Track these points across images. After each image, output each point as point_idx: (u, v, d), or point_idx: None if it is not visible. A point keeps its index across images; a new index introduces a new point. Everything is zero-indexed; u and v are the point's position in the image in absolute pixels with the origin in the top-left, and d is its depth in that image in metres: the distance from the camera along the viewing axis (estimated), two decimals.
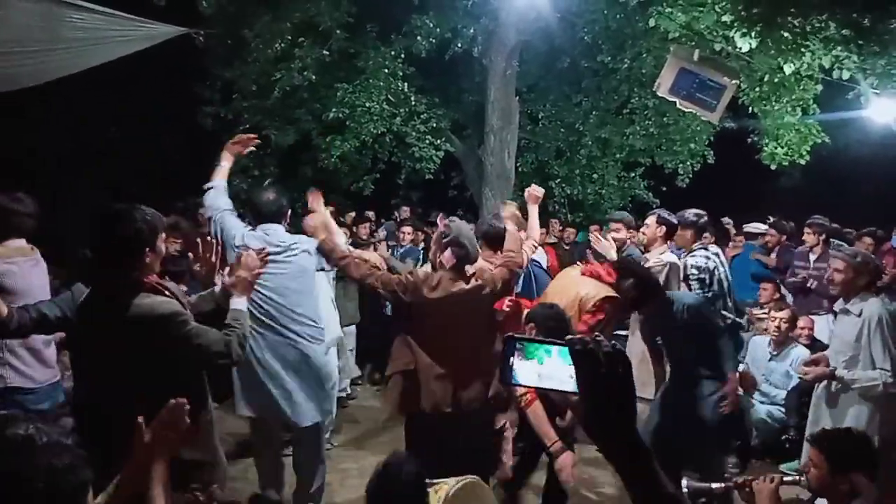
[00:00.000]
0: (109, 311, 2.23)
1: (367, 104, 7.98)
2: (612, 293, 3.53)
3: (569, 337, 1.03)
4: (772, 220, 7.10)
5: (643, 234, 4.51)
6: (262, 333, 3.37)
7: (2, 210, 3.08)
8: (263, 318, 3.37)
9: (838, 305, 3.59)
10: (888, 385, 3.33)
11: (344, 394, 5.73)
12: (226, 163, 3.65)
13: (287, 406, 3.42)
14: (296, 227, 3.87)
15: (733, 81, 5.30)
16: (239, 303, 2.48)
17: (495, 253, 3.57)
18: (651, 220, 4.43)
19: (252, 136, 3.85)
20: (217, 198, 3.54)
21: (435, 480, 2.28)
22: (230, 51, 8.48)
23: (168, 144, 9.93)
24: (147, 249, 2.26)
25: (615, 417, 0.99)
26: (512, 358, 1.09)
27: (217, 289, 2.72)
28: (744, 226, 7.58)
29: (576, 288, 3.61)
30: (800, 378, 3.83)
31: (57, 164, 9.81)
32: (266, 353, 3.39)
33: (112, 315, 2.22)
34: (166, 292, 2.33)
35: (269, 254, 2.77)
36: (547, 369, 1.08)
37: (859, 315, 3.40)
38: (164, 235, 2.38)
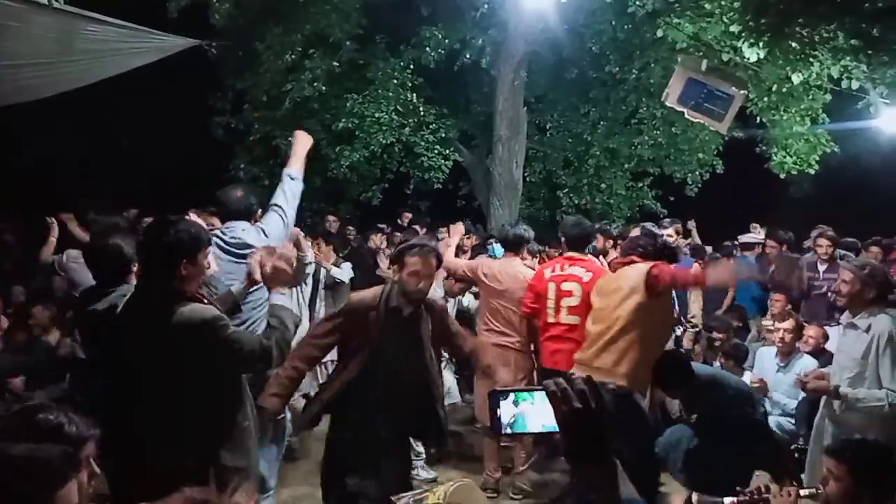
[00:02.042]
0: (150, 317, 2.28)
1: (377, 114, 8.06)
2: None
3: (545, 381, 1.11)
4: (756, 227, 7.02)
5: None
6: None
7: None
8: None
9: (844, 319, 3.45)
10: (895, 406, 3.18)
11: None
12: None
13: None
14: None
15: (741, 91, 5.32)
16: (280, 297, 2.44)
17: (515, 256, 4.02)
18: (671, 230, 4.58)
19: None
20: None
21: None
22: (241, 62, 8.59)
23: (180, 153, 10.04)
24: (187, 259, 2.29)
25: (592, 447, 1.07)
26: (498, 410, 1.17)
27: (234, 288, 2.75)
28: (739, 237, 7.49)
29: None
30: (800, 382, 3.75)
31: (73, 172, 9.95)
32: None
33: (153, 321, 2.26)
34: (205, 300, 2.37)
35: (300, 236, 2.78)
36: (532, 414, 1.16)
37: (867, 330, 3.25)
38: (207, 249, 2.38)
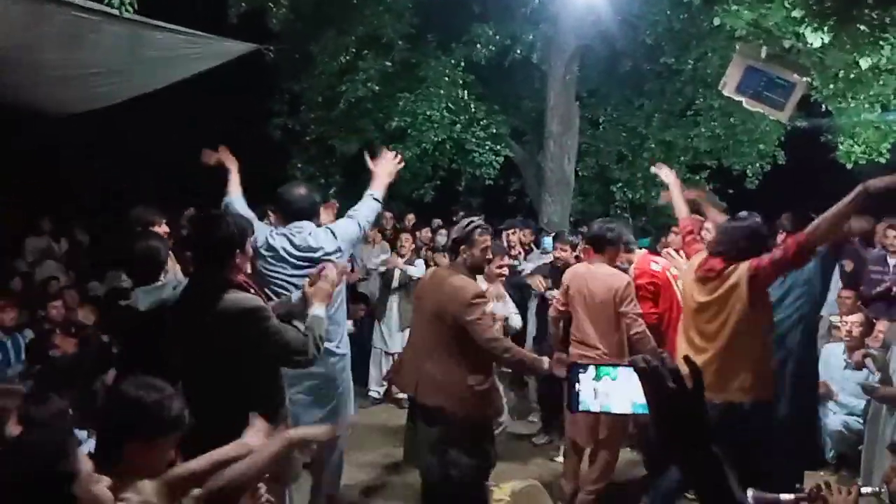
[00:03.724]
0: (201, 305, 2.43)
1: (428, 112, 8.14)
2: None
3: (631, 358, 1.04)
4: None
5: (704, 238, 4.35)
6: None
7: None
8: None
9: None
10: None
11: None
12: (234, 175, 3.60)
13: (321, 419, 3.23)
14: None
15: (804, 79, 5.12)
16: (318, 310, 2.61)
17: (603, 255, 3.67)
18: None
19: None
20: (236, 205, 3.46)
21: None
22: (297, 65, 8.83)
23: (240, 154, 10.37)
24: (237, 251, 2.47)
25: (685, 435, 0.98)
26: (577, 385, 1.11)
27: (294, 297, 2.88)
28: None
29: None
30: (866, 393, 3.55)
31: (138, 173, 10.43)
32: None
33: (203, 309, 2.42)
34: (251, 290, 2.51)
35: (346, 267, 2.88)
36: (613, 392, 1.10)
37: None
38: (251, 239, 2.58)
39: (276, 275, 3.19)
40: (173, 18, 6.17)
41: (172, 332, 2.55)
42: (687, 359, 1.01)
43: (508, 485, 2.44)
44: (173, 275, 3.51)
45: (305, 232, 3.21)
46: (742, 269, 3.09)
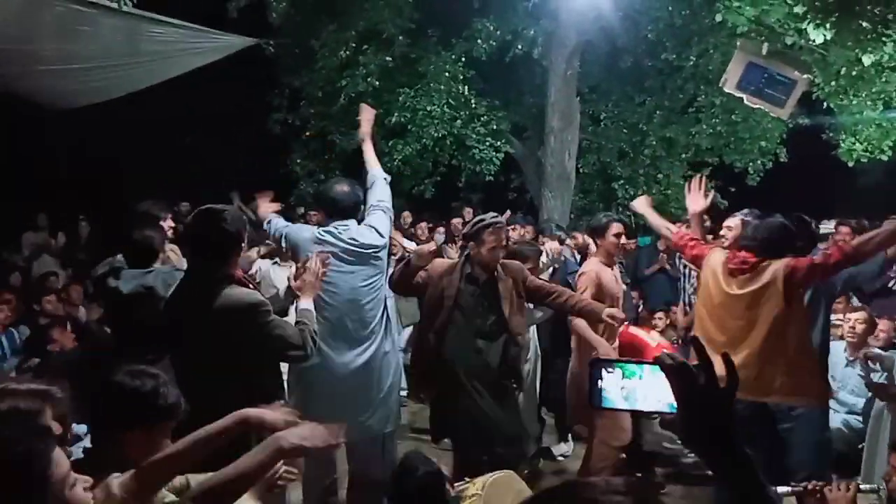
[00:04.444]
0: (203, 299, 2.44)
1: (429, 108, 8.12)
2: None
3: (657, 355, 1.01)
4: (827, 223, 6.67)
5: (725, 237, 4.31)
6: (334, 347, 3.10)
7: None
8: (335, 331, 3.08)
9: None
10: None
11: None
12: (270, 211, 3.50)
13: (366, 417, 3.19)
14: None
15: (805, 76, 5.08)
16: (307, 303, 2.63)
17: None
18: (735, 221, 4.25)
19: None
20: (277, 223, 3.40)
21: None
22: (298, 59, 8.80)
23: (240, 149, 10.37)
24: (237, 246, 2.50)
25: (715, 432, 0.95)
26: (600, 381, 1.08)
27: (281, 292, 2.87)
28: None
29: None
30: (868, 391, 3.52)
31: (130, 168, 10.42)
32: (349, 367, 3.12)
33: (204, 303, 2.42)
34: (251, 285, 2.53)
35: (328, 256, 2.85)
36: (639, 390, 1.07)
37: None
38: (246, 235, 2.59)
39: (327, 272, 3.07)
40: (173, 13, 6.15)
41: (171, 325, 2.54)
42: (725, 357, 0.97)
43: (480, 479, 2.43)
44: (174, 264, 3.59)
45: (352, 229, 3.17)
46: (778, 267, 3.03)
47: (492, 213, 3.63)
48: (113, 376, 1.75)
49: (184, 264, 3.99)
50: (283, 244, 3.35)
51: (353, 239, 3.14)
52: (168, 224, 3.79)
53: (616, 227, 3.85)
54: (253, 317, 2.41)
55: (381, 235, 3.22)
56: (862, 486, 2.41)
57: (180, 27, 6.36)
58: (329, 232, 3.15)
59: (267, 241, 4.34)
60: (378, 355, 3.21)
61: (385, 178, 3.40)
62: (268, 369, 2.57)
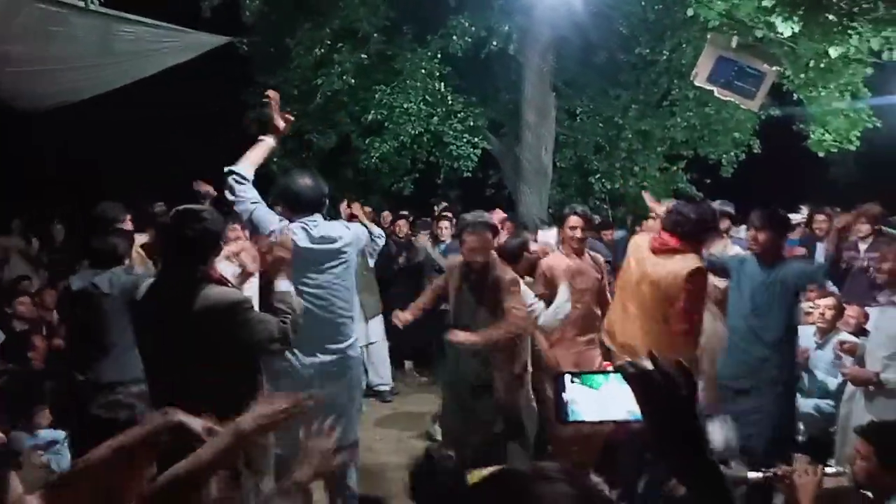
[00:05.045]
0: (182, 300, 2.43)
1: (405, 105, 8.11)
2: (697, 263, 3.23)
3: (618, 363, 1.03)
4: (803, 209, 6.78)
5: None
6: (315, 347, 3.01)
7: None
8: (314, 332, 2.96)
9: (883, 297, 3.39)
10: None
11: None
12: (266, 145, 3.12)
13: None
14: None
15: (773, 68, 5.19)
16: (284, 284, 2.61)
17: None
18: None
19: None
20: (248, 190, 3.03)
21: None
22: (273, 58, 8.74)
23: (215, 149, 10.26)
24: (216, 246, 2.51)
25: (682, 439, 0.96)
26: (564, 394, 1.07)
27: (229, 272, 2.89)
28: None
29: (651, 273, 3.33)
30: (842, 375, 3.62)
31: (109, 169, 10.29)
32: (316, 371, 3.01)
33: (184, 304, 2.41)
34: (229, 284, 2.52)
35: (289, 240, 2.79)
36: (604, 400, 1.06)
37: None
38: (225, 234, 2.64)
39: (296, 269, 2.93)
40: (146, 12, 6.08)
41: (148, 326, 2.53)
42: (679, 364, 0.98)
43: (485, 470, 2.46)
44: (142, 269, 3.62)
45: (321, 225, 3.07)
46: (687, 266, 3.15)
47: (476, 213, 3.63)
48: (89, 409, 1.75)
49: (150, 267, 4.00)
50: (247, 225, 3.12)
51: (324, 235, 3.05)
52: (128, 226, 3.84)
53: (572, 220, 3.90)
54: (235, 315, 2.41)
55: (348, 227, 3.19)
56: (828, 470, 2.48)
57: (153, 26, 6.28)
58: (300, 227, 3.02)
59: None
60: (348, 359, 3.14)
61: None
62: (249, 366, 2.57)
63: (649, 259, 3.27)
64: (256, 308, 2.59)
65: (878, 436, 2.46)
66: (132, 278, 3.12)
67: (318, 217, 3.09)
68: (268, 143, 3.10)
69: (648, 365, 0.97)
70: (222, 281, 2.54)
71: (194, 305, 2.39)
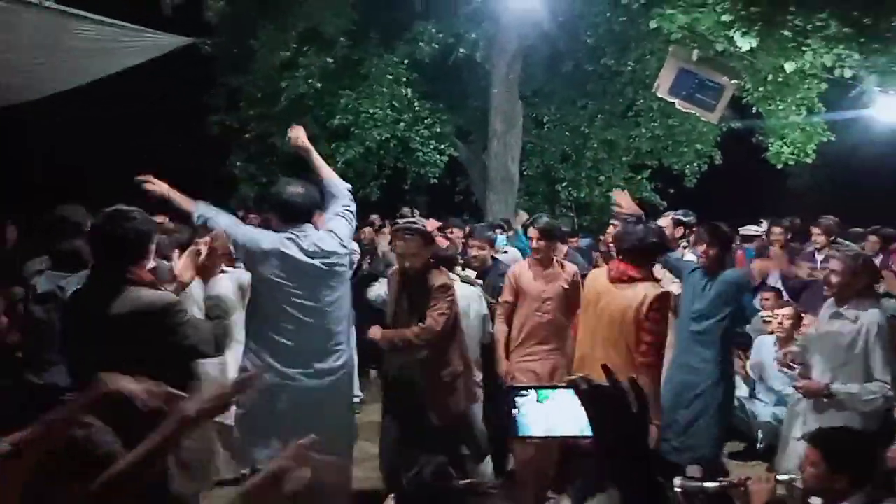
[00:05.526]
0: (109, 302, 2.34)
1: (371, 110, 8.07)
2: (663, 290, 3.23)
3: (569, 378, 1.01)
4: (763, 222, 6.94)
5: None
6: (307, 364, 2.89)
7: None
8: (303, 348, 2.87)
9: (829, 308, 3.38)
10: (889, 399, 3.19)
11: None
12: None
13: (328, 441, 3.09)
14: None
15: (732, 81, 5.29)
16: (217, 287, 2.59)
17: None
18: (665, 221, 4.42)
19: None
20: (222, 216, 2.97)
21: None
22: (236, 59, 8.61)
23: (176, 152, 10.06)
24: (147, 247, 2.43)
25: (631, 456, 0.96)
26: (514, 409, 1.06)
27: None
28: (740, 228, 7.39)
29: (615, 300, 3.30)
30: (793, 387, 3.68)
31: (67, 172, 9.99)
32: (310, 384, 2.89)
33: (112, 306, 2.33)
34: (162, 287, 2.47)
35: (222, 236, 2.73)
36: (553, 415, 1.05)
37: (854, 321, 3.23)
38: (155, 236, 2.53)
39: (288, 282, 2.85)
40: (103, 10, 5.91)
41: (74, 329, 2.44)
42: (632, 381, 0.98)
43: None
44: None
45: (312, 236, 2.92)
46: (651, 293, 3.14)
47: (408, 219, 3.66)
48: (45, 412, 1.66)
49: None
50: (232, 248, 2.96)
51: (317, 246, 2.90)
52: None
53: (530, 232, 3.94)
54: (165, 318, 2.33)
55: (343, 244, 3.01)
56: (780, 478, 2.53)
57: (110, 25, 6.11)
58: (291, 239, 2.86)
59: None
60: (341, 376, 3.03)
61: (349, 188, 3.22)
62: (180, 372, 2.48)
63: (609, 291, 3.27)
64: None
65: (826, 442, 2.49)
66: None
67: (308, 228, 2.94)
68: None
69: (601, 381, 0.96)
70: (154, 284, 2.45)
71: (123, 308, 2.31)
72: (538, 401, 1.06)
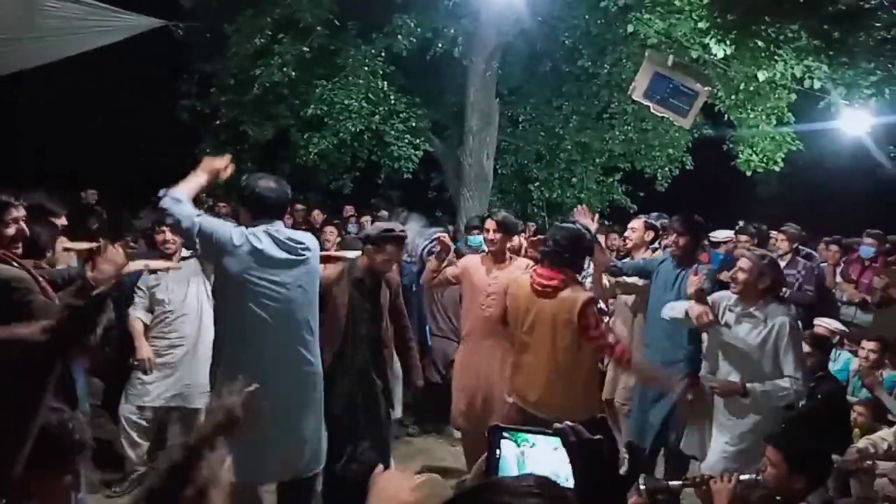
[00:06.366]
0: None
1: (346, 102, 7.96)
2: (587, 294, 3.27)
3: (557, 426, 1.00)
4: (741, 225, 7.06)
5: (628, 238, 4.51)
6: (280, 365, 2.79)
7: None
8: (280, 346, 2.80)
9: (736, 308, 3.41)
10: (800, 393, 3.29)
11: None
12: (201, 179, 2.84)
13: (299, 454, 2.88)
14: None
15: (706, 88, 5.37)
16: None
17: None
18: (637, 223, 4.45)
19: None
20: (185, 206, 2.74)
21: None
22: (209, 44, 8.43)
23: (145, 136, 9.84)
24: None
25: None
26: (498, 450, 1.07)
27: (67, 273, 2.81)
28: (710, 234, 7.50)
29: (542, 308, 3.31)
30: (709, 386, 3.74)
31: (34, 155, 9.70)
32: (283, 391, 2.76)
33: None
34: (14, 263, 2.44)
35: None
36: (534, 459, 1.06)
37: (764, 321, 3.30)
38: (11, 212, 2.52)
39: (262, 281, 2.77)
40: None
41: None
42: (594, 422, 1.01)
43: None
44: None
45: (284, 230, 2.87)
46: (578, 299, 3.18)
47: (381, 225, 3.69)
48: None
49: (73, 263, 3.76)
50: (197, 240, 2.77)
51: (291, 239, 2.83)
52: (61, 221, 3.68)
53: (486, 223, 3.92)
54: (9, 293, 2.30)
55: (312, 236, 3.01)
56: (742, 477, 2.56)
57: (82, 3, 5.92)
58: (265, 233, 2.78)
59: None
60: (313, 378, 2.93)
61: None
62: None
63: (535, 302, 3.29)
64: None
65: (787, 443, 2.54)
66: (50, 270, 2.97)
67: (279, 224, 2.86)
68: (199, 179, 2.83)
69: (586, 432, 0.98)
70: (6, 259, 2.42)
71: None
72: (515, 443, 1.07)
